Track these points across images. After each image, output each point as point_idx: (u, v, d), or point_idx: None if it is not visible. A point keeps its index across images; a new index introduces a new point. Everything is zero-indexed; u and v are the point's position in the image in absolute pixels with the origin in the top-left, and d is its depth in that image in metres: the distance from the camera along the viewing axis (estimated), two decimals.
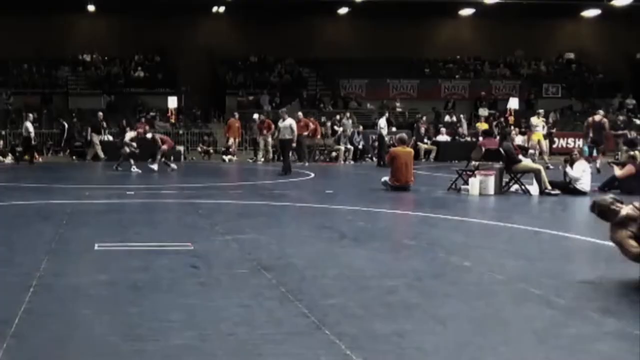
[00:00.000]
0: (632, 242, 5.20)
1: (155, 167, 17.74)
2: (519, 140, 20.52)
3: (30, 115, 23.15)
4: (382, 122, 21.95)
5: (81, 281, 5.25)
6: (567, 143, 27.60)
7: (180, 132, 27.16)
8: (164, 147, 18.19)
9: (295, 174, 16.99)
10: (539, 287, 5.10)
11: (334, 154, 24.09)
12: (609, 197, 5.51)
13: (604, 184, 12.91)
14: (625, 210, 5.28)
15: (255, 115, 25.50)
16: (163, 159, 18.23)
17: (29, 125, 22.04)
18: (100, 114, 24.51)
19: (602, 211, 5.39)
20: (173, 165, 18.14)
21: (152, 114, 28.37)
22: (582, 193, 11.90)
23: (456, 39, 34.91)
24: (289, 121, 17.45)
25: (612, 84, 34.26)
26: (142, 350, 3.70)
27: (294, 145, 18.07)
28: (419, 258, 6.36)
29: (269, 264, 5.89)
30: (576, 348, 3.80)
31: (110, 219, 8.89)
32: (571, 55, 35.58)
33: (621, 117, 27.85)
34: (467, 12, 33.54)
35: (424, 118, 27.00)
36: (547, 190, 12.02)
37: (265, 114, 26.28)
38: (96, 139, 23.38)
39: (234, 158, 24.15)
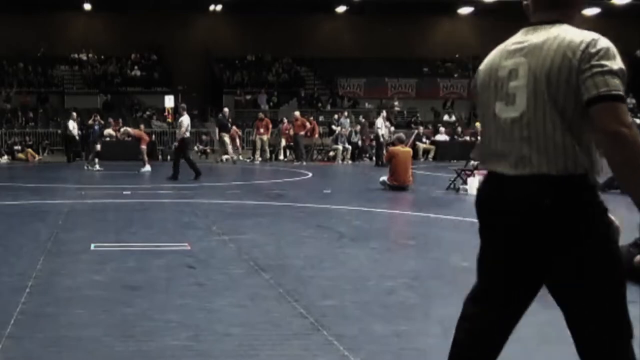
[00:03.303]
0: None
1: (147, 168, 17.92)
2: None
3: (74, 114, 23.18)
4: (380, 121, 21.92)
5: (77, 282, 5.21)
6: None
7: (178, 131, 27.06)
8: (143, 146, 18.70)
9: (293, 174, 16.95)
10: None
11: (331, 153, 24.04)
12: None
13: (603, 183, 12.83)
14: None
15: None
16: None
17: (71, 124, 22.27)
18: (227, 110, 23.57)
19: None
20: (147, 167, 18.13)
21: (148, 113, 28.25)
22: None
23: (455, 37, 34.86)
24: (182, 118, 15.54)
25: None
26: (138, 350, 3.67)
27: (188, 144, 16.42)
28: (417, 258, 6.33)
29: (266, 264, 5.85)
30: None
31: (106, 219, 8.86)
32: None
33: None
34: (466, 10, 33.53)
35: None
36: None
37: (263, 113, 26.22)
38: (227, 138, 22.31)
39: (228, 157, 24.00)
